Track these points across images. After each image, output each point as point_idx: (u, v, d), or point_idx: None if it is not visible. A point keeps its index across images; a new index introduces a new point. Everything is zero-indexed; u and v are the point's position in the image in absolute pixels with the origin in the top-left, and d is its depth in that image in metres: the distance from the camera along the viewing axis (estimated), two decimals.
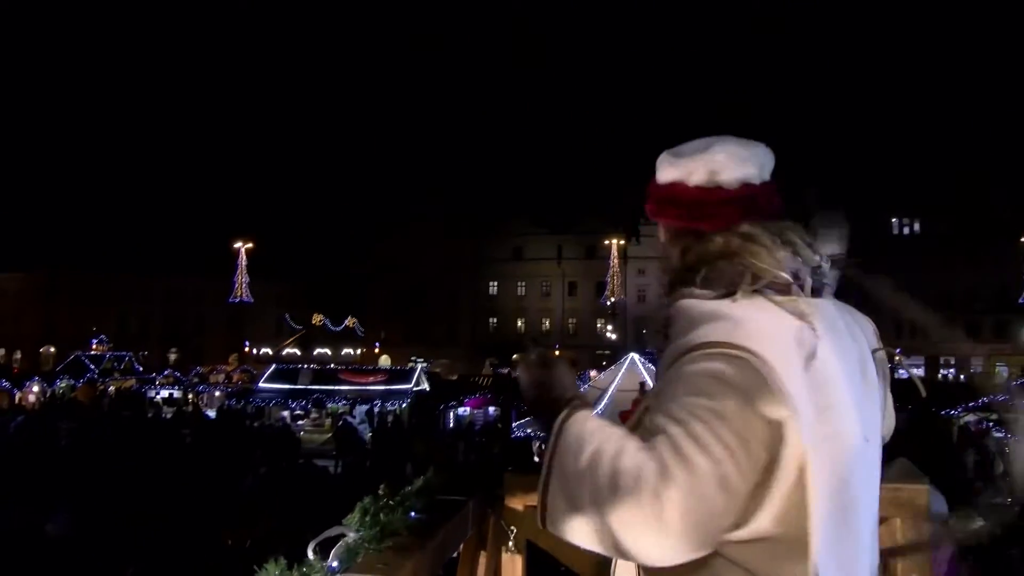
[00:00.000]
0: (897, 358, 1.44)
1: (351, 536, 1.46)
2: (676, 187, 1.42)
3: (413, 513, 1.66)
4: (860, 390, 1.31)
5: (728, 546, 1.20)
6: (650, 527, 1.10)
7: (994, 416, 20.07)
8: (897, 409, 1.51)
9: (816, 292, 1.35)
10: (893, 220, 60.65)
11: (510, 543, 2.12)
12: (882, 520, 1.79)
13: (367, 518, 1.51)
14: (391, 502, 1.60)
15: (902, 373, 1.69)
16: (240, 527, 9.66)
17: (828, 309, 1.34)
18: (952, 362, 54.27)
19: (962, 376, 48.86)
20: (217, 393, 29.82)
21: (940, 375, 52.14)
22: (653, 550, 1.13)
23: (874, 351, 1.39)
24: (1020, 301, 51.05)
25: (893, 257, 58.58)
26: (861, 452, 1.28)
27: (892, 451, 1.60)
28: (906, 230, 61.00)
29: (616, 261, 56.86)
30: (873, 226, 58.26)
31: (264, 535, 9.40)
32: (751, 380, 1.15)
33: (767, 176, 1.41)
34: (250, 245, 54.24)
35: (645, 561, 1.17)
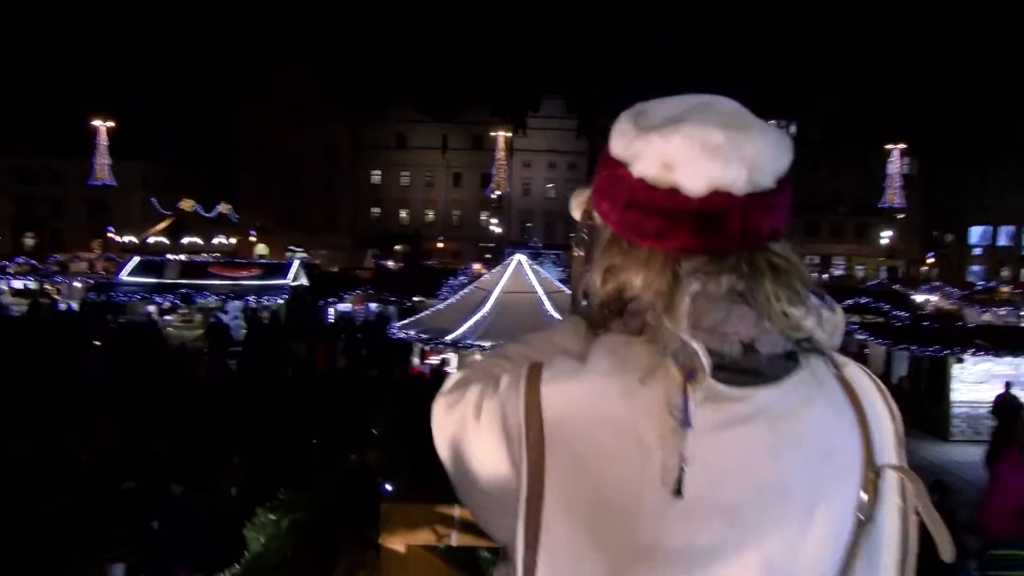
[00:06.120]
0: (912, 485, 0.92)
1: None
2: (618, 172, 0.93)
3: None
4: (772, 524, 0.86)
5: None
6: None
7: (855, 318, 21.12)
8: None
9: (767, 371, 0.87)
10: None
11: None
12: None
13: None
14: None
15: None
16: (93, 440, 8.96)
17: (764, 404, 0.87)
18: (816, 261, 57.17)
19: (825, 275, 51.78)
20: (77, 284, 27.88)
21: None
22: None
23: (877, 469, 0.91)
24: (878, 205, 54.16)
25: None
26: None
27: None
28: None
29: (502, 153, 56.16)
30: None
31: (117, 446, 8.75)
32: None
33: (765, 180, 0.89)
34: (111, 124, 50.47)
35: None
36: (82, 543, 4.93)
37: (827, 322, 0.92)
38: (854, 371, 0.97)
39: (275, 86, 62.34)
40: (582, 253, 1.13)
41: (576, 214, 1.17)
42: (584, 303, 1.01)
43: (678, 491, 0.82)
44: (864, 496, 0.90)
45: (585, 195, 1.15)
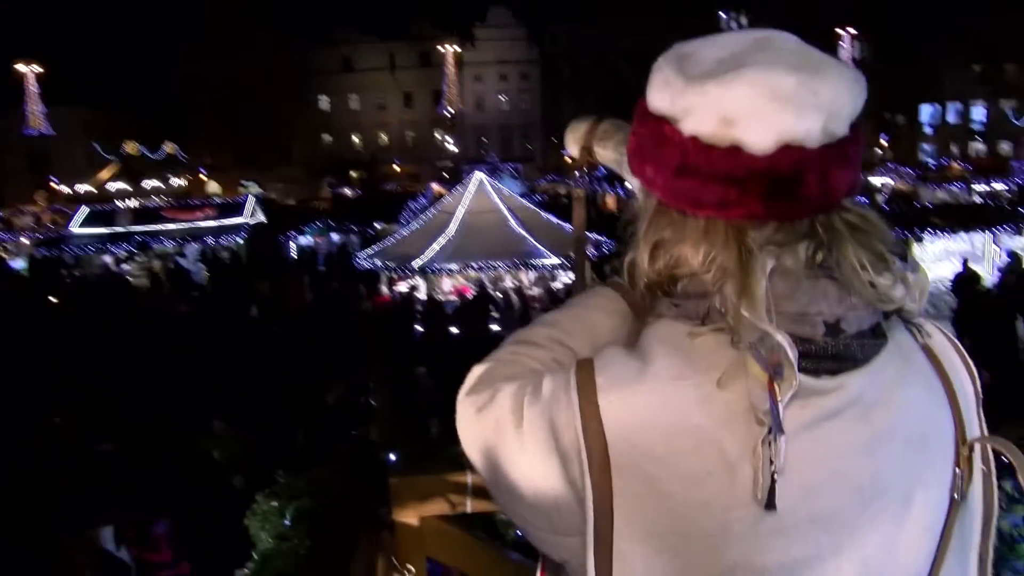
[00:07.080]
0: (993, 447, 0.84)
1: None
2: (663, 130, 0.78)
3: None
4: (873, 523, 0.78)
5: None
6: None
7: None
8: None
9: (857, 354, 0.76)
10: (721, 14, 61.23)
11: None
12: None
13: None
14: None
15: None
16: (66, 406, 8.78)
17: (852, 391, 0.77)
18: None
19: None
20: (25, 240, 26.99)
21: None
22: None
23: (971, 443, 0.83)
24: None
25: None
26: None
27: None
28: (734, 25, 61.87)
29: (452, 69, 54.77)
30: (706, 22, 58.67)
31: (96, 412, 8.61)
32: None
33: (840, 127, 0.75)
34: (40, 70, 48.23)
35: None
36: (67, 510, 4.88)
37: (914, 287, 0.80)
38: (934, 334, 0.87)
39: (214, 16, 59.76)
40: (583, 195, 1.08)
41: (573, 150, 1.09)
42: (615, 277, 0.90)
43: (771, 505, 0.73)
44: (959, 473, 0.83)
45: (581, 129, 1.08)
